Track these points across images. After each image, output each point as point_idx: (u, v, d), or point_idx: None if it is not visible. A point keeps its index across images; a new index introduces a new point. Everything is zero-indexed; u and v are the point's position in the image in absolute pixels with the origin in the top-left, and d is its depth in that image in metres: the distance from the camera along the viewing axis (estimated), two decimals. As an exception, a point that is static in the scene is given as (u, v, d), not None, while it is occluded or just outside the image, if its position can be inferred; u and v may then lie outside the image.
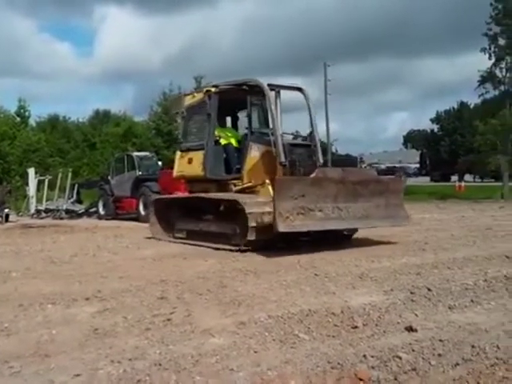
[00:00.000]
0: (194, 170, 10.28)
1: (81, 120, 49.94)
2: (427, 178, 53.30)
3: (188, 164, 10.52)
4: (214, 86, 10.20)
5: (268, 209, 8.24)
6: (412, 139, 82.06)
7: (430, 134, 66.43)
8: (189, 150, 10.60)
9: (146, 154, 21.69)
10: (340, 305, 4.81)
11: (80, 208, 21.58)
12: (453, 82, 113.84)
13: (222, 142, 10.40)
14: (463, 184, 32.36)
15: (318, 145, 9.75)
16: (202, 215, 9.96)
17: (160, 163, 20.59)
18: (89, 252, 9.08)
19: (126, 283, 6.08)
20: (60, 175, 23.31)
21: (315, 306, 4.81)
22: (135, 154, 20.48)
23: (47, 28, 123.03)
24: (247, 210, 8.31)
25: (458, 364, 3.32)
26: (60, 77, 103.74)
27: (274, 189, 8.08)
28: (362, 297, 5.17)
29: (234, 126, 11.55)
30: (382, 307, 4.72)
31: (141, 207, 17.42)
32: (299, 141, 10.28)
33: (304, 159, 9.25)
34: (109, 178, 20.08)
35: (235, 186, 9.74)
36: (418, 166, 64.96)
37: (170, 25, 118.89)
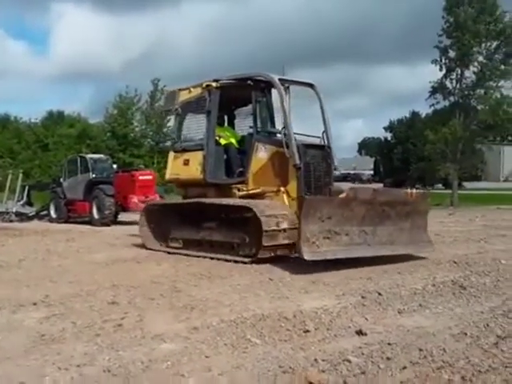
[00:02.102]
0: (192, 173, 9.35)
1: (33, 120, 48.60)
2: (380, 185, 54.40)
3: (184, 166, 9.58)
4: (214, 81, 9.22)
5: (283, 213, 7.73)
6: (366, 146, 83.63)
7: (384, 142, 67.88)
8: (185, 150, 9.67)
9: (100, 156, 21.27)
10: (293, 309, 4.85)
11: (31, 211, 20.94)
12: (408, 90, 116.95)
13: (222, 142, 9.52)
14: (415, 191, 33.16)
15: (332, 146, 8.95)
16: (201, 223, 8.96)
17: (115, 166, 20.25)
18: (38, 256, 8.83)
19: (76, 288, 5.94)
20: (10, 177, 22.58)
21: (268, 310, 4.83)
22: (89, 156, 20.09)
23: (1, 24, 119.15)
24: (259, 214, 7.57)
25: (405, 367, 3.39)
26: (13, 76, 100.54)
27: (300, 208, 7.28)
28: (314, 301, 5.22)
29: (230, 124, 10.52)
30: (333, 311, 4.78)
31: (94, 210, 17.08)
32: (313, 141, 9.10)
33: (318, 162, 8.50)
34: (61, 180, 19.62)
35: (239, 190, 8.87)
36: (371, 172, 66.26)
37: (130, 25, 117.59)
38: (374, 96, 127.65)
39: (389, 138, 67.19)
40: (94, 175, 18.08)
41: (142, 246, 9.71)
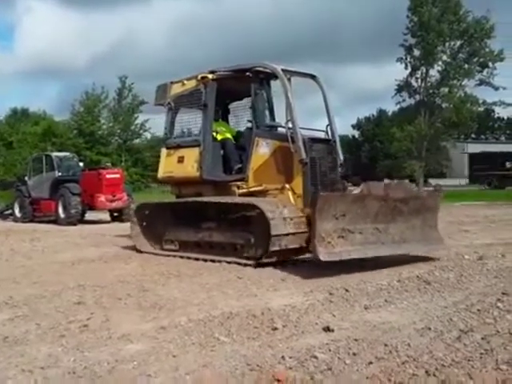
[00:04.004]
0: (187, 171, 8.86)
1: (-4, 118, 47.54)
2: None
3: (178, 163, 9.09)
4: (210, 72, 8.76)
5: (292, 212, 7.29)
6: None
7: (352, 140, 68.71)
8: (179, 146, 9.19)
9: (66, 154, 20.96)
10: (261, 307, 4.85)
11: (-6, 210, 20.50)
12: (376, 88, 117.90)
13: (219, 137, 9.07)
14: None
15: (338, 140, 8.58)
16: (200, 223, 8.33)
17: (81, 164, 19.95)
18: (1, 256, 8.65)
19: (41, 289, 5.83)
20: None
21: (237, 308, 4.83)
22: (54, 154, 19.75)
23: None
24: (267, 213, 7.06)
25: (371, 362, 3.43)
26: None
27: (313, 205, 6.73)
28: (282, 298, 5.24)
29: (224, 119, 10.05)
30: (301, 308, 4.81)
31: (60, 209, 16.79)
32: (318, 135, 8.63)
33: (324, 157, 8.09)
34: (26, 178, 19.24)
35: (239, 188, 8.36)
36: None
37: (98, 21, 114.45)
38: (343, 94, 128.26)
39: (356, 136, 68.11)
40: (59, 173, 17.79)
41: (110, 245, 9.59)
